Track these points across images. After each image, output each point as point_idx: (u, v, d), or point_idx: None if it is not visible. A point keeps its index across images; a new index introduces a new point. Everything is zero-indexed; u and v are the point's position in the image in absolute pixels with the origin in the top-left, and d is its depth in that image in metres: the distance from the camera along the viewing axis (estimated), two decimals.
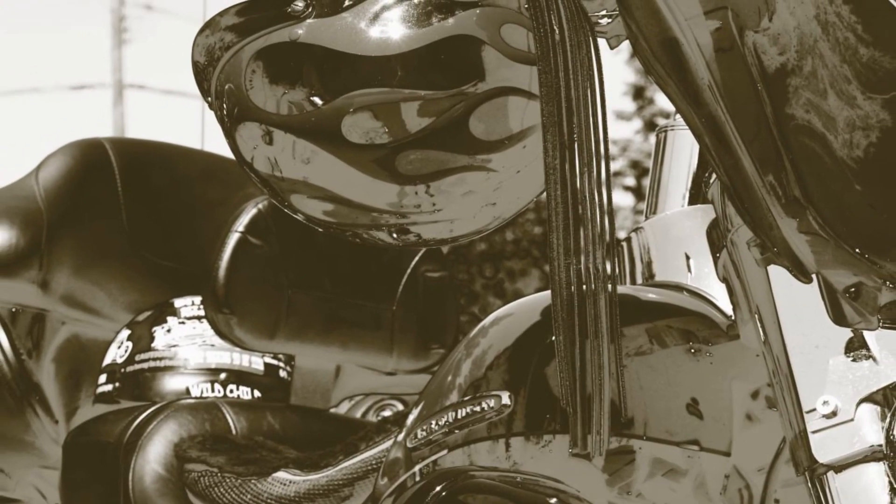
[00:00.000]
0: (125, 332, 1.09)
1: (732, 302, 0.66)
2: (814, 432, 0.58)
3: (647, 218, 0.79)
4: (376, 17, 0.61)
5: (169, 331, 1.07)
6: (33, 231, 1.06)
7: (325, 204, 0.64)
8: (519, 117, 0.63)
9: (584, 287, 0.60)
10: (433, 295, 1.14)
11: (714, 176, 0.65)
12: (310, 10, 0.62)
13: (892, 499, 0.56)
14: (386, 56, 0.61)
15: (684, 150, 0.78)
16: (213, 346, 1.06)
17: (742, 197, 0.57)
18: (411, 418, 0.72)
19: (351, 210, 0.64)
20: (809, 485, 0.59)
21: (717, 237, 0.66)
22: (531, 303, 0.74)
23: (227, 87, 0.64)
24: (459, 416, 0.68)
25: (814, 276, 0.58)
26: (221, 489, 0.95)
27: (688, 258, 0.75)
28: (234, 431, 1.00)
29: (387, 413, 1.17)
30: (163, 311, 1.09)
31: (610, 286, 0.60)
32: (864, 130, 0.53)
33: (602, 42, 0.65)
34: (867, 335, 0.59)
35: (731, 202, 0.61)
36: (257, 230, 1.05)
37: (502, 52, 0.62)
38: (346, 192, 0.64)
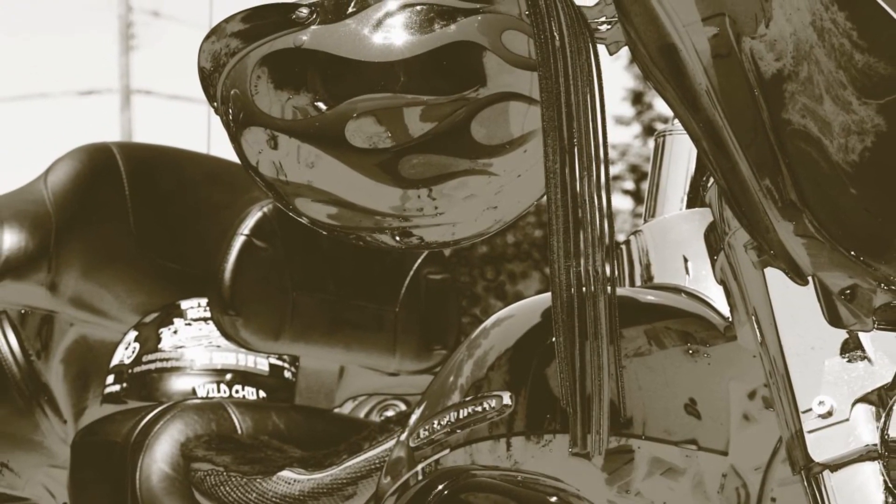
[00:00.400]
0: (132, 334, 1.10)
1: (730, 304, 0.67)
2: (810, 432, 0.58)
3: (645, 221, 0.80)
4: (379, 23, 0.62)
5: (175, 332, 1.08)
6: (42, 234, 1.07)
7: (328, 207, 0.65)
8: (520, 122, 0.64)
9: (584, 289, 0.60)
10: (435, 297, 1.14)
11: (712, 180, 0.65)
12: (314, 16, 0.63)
13: (886, 497, 0.57)
14: (389, 62, 0.62)
15: (682, 155, 0.79)
16: (218, 347, 1.07)
17: (739, 200, 0.58)
18: (414, 418, 0.73)
19: (354, 213, 0.65)
20: (805, 483, 0.59)
21: (714, 240, 0.67)
22: (532, 304, 0.74)
23: (232, 92, 0.65)
24: (461, 416, 0.69)
25: (810, 278, 0.59)
26: (227, 488, 0.96)
27: (686, 261, 0.76)
28: (239, 431, 1.00)
29: (390, 413, 1.18)
30: (169, 313, 1.10)
31: (609, 288, 0.61)
32: (859, 135, 0.54)
33: (601, 48, 0.66)
34: (862, 336, 0.59)
35: (728, 206, 0.62)
36: (262, 233, 1.06)
37: (503, 58, 0.63)
38: (350, 195, 0.64)
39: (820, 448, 0.58)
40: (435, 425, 0.70)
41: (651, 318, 0.71)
